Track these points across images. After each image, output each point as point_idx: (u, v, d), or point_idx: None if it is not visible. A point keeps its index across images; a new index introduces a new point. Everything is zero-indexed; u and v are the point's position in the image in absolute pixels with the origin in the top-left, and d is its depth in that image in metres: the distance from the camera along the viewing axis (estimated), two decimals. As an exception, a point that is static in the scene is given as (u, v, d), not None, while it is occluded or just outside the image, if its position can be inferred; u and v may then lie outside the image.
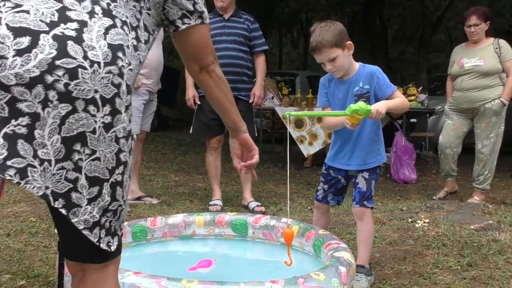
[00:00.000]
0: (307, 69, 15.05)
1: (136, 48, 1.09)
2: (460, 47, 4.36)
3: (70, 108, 0.94)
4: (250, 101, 3.87)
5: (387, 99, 2.27)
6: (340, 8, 12.33)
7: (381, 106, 2.14)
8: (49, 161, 0.94)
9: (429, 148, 7.66)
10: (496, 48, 4.09)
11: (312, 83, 9.14)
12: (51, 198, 0.96)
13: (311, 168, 6.29)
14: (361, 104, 2.06)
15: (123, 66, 1.01)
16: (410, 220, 3.19)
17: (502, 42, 4.13)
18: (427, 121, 7.65)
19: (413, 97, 6.19)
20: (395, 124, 6.02)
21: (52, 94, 0.92)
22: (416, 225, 3.09)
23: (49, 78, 0.91)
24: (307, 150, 6.00)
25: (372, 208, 2.38)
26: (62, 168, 0.96)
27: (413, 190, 5.04)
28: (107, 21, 1.01)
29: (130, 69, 1.04)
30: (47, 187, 0.95)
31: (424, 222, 3.11)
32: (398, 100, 2.27)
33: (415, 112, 6.56)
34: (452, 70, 4.32)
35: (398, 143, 5.64)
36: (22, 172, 0.92)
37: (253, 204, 3.89)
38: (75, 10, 0.98)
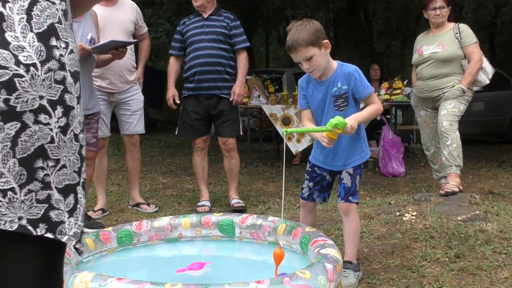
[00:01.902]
0: (294, 66, 15.04)
1: (66, 14, 0.93)
2: (422, 35, 4.16)
3: (19, 125, 0.83)
4: (230, 99, 3.80)
5: (364, 101, 2.31)
6: (325, 4, 12.33)
7: (353, 121, 2.17)
8: (12, 189, 0.85)
9: (417, 141, 7.68)
10: (456, 33, 3.88)
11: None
12: (30, 228, 0.86)
13: (300, 165, 6.29)
14: (339, 118, 2.09)
15: (61, 55, 0.89)
16: (398, 213, 3.19)
17: (463, 27, 3.91)
18: (413, 114, 7.67)
19: (399, 91, 6.21)
20: (383, 118, 6.03)
21: None
22: (404, 218, 3.09)
23: None
24: (296, 147, 5.99)
25: (357, 203, 2.37)
26: (30, 191, 0.86)
27: (401, 184, 5.05)
28: None
29: (71, 51, 0.91)
30: (20, 218, 0.85)
31: (412, 215, 3.10)
32: (370, 109, 2.30)
33: (402, 106, 6.58)
34: (413, 59, 4.15)
35: (386, 137, 5.65)
36: None
37: (233, 201, 3.88)
38: None
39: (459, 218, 2.98)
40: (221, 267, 2.47)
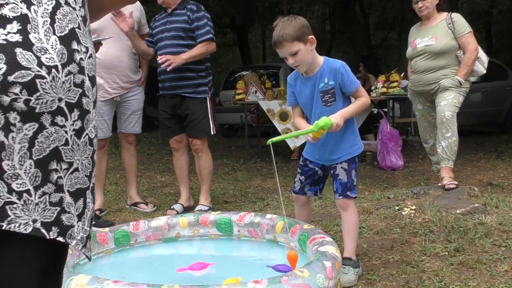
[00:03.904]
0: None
1: (85, 20, 0.96)
2: (415, 27, 4.06)
3: (37, 126, 0.84)
4: (160, 61, 3.50)
5: (351, 95, 2.31)
6: (320, -2, 12.30)
7: (339, 119, 2.18)
8: (27, 191, 0.85)
9: (415, 134, 7.67)
10: (449, 24, 3.75)
11: (296, 74, 9.06)
12: (44, 231, 0.86)
13: (298, 160, 6.25)
14: (325, 119, 2.12)
15: (81, 59, 0.90)
16: (397, 208, 3.17)
17: (456, 16, 3.79)
18: (411, 106, 7.65)
19: (396, 83, 6.18)
20: (380, 111, 6.01)
21: (13, 117, 0.82)
22: (403, 212, 3.08)
23: (5, 99, 0.81)
24: (293, 142, 5.97)
25: (355, 197, 2.35)
26: (44, 193, 0.86)
27: (400, 177, 5.03)
28: (49, 3, 0.88)
29: (90, 55, 0.93)
30: (35, 220, 0.85)
31: (411, 209, 3.09)
32: (356, 104, 2.29)
33: (399, 98, 6.56)
34: (407, 53, 4.06)
35: (384, 130, 5.62)
36: (0, 213, 0.82)
37: (196, 207, 3.72)
38: (7, 3, 0.84)
39: (458, 211, 2.97)
40: (220, 266, 2.45)
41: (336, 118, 2.17)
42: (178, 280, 2.23)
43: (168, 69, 3.48)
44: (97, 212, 3.69)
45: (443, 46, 3.75)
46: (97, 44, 3.22)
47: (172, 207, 3.78)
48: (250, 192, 4.50)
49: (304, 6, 13.15)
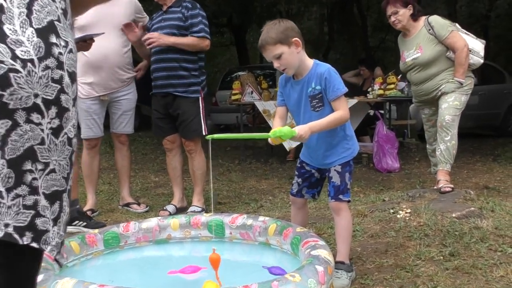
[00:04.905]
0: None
1: (66, 13, 0.91)
2: (400, 38, 3.99)
3: (10, 123, 0.79)
4: (143, 39, 3.52)
5: (330, 102, 2.23)
6: (318, -1, 12.26)
7: (305, 131, 2.11)
8: None
9: (411, 136, 7.65)
10: (429, 30, 3.68)
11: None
12: (16, 236, 0.81)
13: (294, 161, 6.22)
14: (285, 130, 2.06)
15: (60, 53, 0.85)
16: (391, 211, 3.13)
17: (433, 20, 3.70)
18: (408, 109, 7.63)
19: (393, 85, 6.15)
20: (376, 113, 5.99)
21: None
22: (398, 215, 3.04)
23: None
24: (289, 143, 5.93)
25: (348, 201, 2.31)
26: (17, 196, 0.82)
27: (396, 179, 5.01)
28: None
29: (70, 50, 0.88)
30: (7, 225, 0.81)
31: (406, 213, 3.05)
32: (331, 118, 2.19)
33: (396, 100, 6.53)
34: (400, 67, 4.02)
35: (380, 132, 5.60)
36: None
37: (189, 208, 3.68)
38: None
39: (453, 215, 2.93)
40: (212, 270, 2.40)
41: (301, 130, 2.10)
42: (169, 284, 2.19)
43: (147, 47, 3.54)
44: (88, 213, 3.64)
45: (429, 55, 3.70)
46: (89, 40, 3.17)
47: (164, 208, 3.74)
48: (244, 193, 4.46)
49: (302, 7, 13.12)
